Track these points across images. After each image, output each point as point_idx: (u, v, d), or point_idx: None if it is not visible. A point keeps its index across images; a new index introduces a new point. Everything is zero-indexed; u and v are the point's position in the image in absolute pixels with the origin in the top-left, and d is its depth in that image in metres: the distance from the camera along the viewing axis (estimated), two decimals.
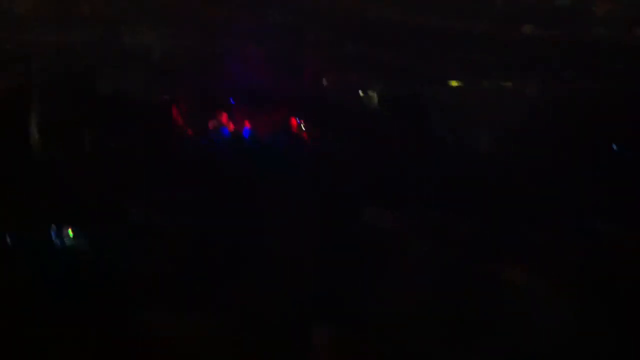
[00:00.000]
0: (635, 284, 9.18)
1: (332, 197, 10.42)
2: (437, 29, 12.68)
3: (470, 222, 10.14)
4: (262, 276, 9.41)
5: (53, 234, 9.96)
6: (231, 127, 11.75)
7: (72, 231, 9.96)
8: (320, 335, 9.04)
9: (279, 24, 12.52)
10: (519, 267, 9.53)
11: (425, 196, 10.47)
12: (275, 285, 9.30)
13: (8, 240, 9.74)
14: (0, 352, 8.52)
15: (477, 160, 10.99)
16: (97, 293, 9.12)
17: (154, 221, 10.18)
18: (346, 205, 10.41)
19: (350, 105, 11.97)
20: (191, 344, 8.83)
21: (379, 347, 8.89)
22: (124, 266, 9.49)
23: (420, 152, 11.07)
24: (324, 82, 12.22)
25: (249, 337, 8.93)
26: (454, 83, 12.19)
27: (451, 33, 12.67)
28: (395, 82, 12.14)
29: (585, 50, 12.31)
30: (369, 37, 12.54)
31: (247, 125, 11.72)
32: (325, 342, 9.02)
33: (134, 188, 10.54)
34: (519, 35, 12.68)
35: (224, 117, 11.79)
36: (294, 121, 11.72)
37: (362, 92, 12.14)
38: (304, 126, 11.68)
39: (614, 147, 11.03)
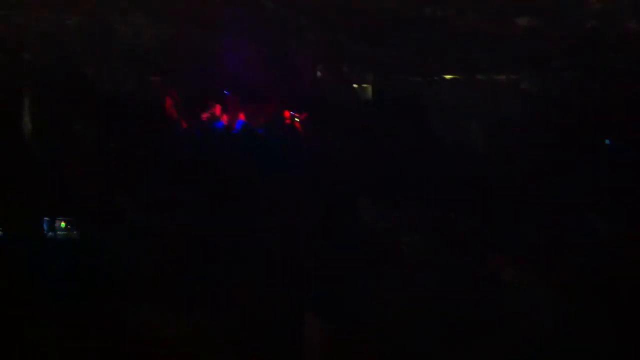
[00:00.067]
0: (635, 284, 9.19)
1: (329, 193, 10.37)
2: (432, 22, 12.63)
3: (468, 221, 10.12)
4: (261, 275, 9.35)
5: (49, 231, 9.87)
6: (225, 119, 11.67)
7: (67, 227, 9.86)
8: (320, 335, 9.01)
9: (273, 15, 12.42)
10: (518, 266, 9.53)
11: (422, 193, 10.43)
12: (274, 285, 9.25)
13: (5, 239, 9.66)
14: None
15: (475, 157, 10.96)
16: (95, 292, 9.03)
17: (149, 217, 10.09)
18: (343, 201, 10.37)
19: (345, 99, 11.91)
20: (191, 343, 8.78)
21: (379, 347, 8.87)
22: (120, 264, 9.40)
23: (416, 148, 11.03)
24: (318, 74, 12.16)
25: (248, 337, 8.89)
26: (448, 77, 12.16)
27: (444, 26, 12.62)
28: (390, 75, 12.09)
29: (581, 44, 12.29)
30: (363, 29, 12.46)
31: (242, 117, 11.64)
32: (325, 342, 8.99)
33: (126, 183, 10.44)
34: (514, 29, 12.64)
35: (217, 110, 11.70)
36: (287, 114, 11.66)
37: (357, 85, 12.09)
38: (298, 119, 11.62)
39: (613, 144, 11.02)
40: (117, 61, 11.82)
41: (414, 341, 8.90)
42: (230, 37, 11.99)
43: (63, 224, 9.95)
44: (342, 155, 10.92)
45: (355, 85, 12.15)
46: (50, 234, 9.93)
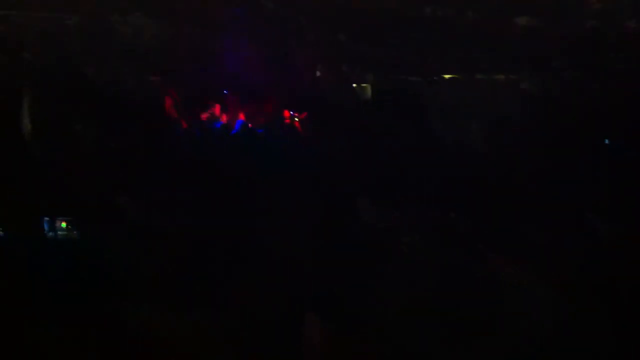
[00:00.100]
0: (635, 284, 9.19)
1: (329, 193, 10.37)
2: (432, 22, 12.64)
3: (468, 221, 10.12)
4: (261, 275, 9.35)
5: (50, 231, 9.87)
6: (225, 119, 11.68)
7: (68, 228, 9.86)
8: (320, 335, 9.01)
9: (273, 15, 12.43)
10: (518, 266, 9.52)
11: (422, 193, 10.43)
12: (274, 285, 9.25)
13: (5, 239, 9.66)
14: None
15: (475, 157, 10.97)
16: (95, 292, 9.03)
17: (149, 217, 10.09)
18: (343, 201, 10.37)
19: (345, 99, 11.92)
20: (191, 343, 8.77)
21: (379, 347, 8.87)
22: (120, 264, 9.40)
23: (416, 148, 11.03)
24: (318, 74, 12.17)
25: (248, 337, 8.88)
26: (448, 77, 12.17)
27: (444, 26, 12.64)
28: (390, 75, 12.10)
29: (581, 44, 12.30)
30: (363, 29, 12.47)
31: (242, 117, 11.65)
32: (325, 342, 8.98)
33: (127, 183, 10.44)
34: (514, 29, 12.65)
35: (217, 110, 11.71)
36: (287, 114, 11.66)
37: (357, 85, 12.09)
38: (298, 119, 11.62)
39: (613, 144, 11.03)
40: (117, 61, 11.83)
41: (414, 341, 8.88)
42: (230, 37, 12.00)
43: (64, 224, 9.95)
44: (342, 155, 10.92)
45: (355, 85, 12.15)
46: (50, 234, 9.92)
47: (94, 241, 9.82)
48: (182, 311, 8.90)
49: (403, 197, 10.42)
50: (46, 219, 9.96)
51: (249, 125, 11.67)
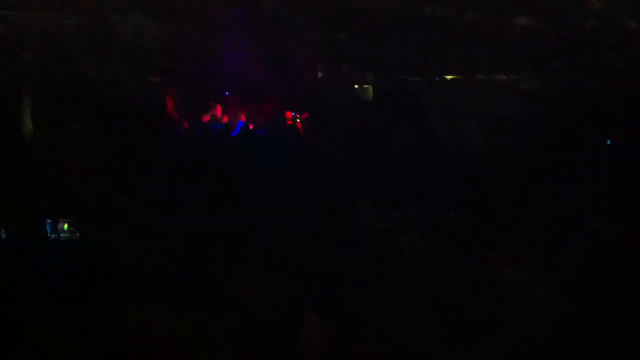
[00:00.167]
0: (635, 284, 9.18)
1: (329, 193, 10.37)
2: (432, 22, 12.64)
3: (468, 221, 10.12)
4: (261, 275, 9.35)
5: (52, 232, 9.87)
6: (225, 119, 11.68)
7: (70, 229, 9.86)
8: (320, 335, 9.00)
9: (273, 15, 12.43)
10: (518, 266, 9.52)
11: (422, 193, 10.43)
12: (274, 285, 9.25)
13: (5, 238, 9.66)
14: None
15: (475, 157, 10.97)
16: (97, 293, 9.03)
17: (150, 218, 10.09)
18: (343, 201, 10.36)
19: (345, 99, 11.92)
20: (191, 343, 8.77)
21: (379, 347, 8.86)
22: (121, 264, 9.40)
23: (416, 148, 11.03)
24: (318, 74, 12.17)
25: (248, 337, 8.87)
26: (449, 77, 12.17)
27: (444, 26, 12.63)
28: (390, 75, 12.09)
29: (581, 44, 12.30)
30: (363, 29, 12.47)
31: (242, 118, 11.65)
32: (325, 342, 8.98)
33: (127, 183, 10.44)
34: (514, 29, 12.65)
35: (217, 110, 11.71)
36: (289, 114, 11.67)
37: (357, 86, 12.10)
38: (298, 119, 11.63)
39: (613, 144, 11.03)
40: (117, 61, 11.83)
41: (414, 341, 8.88)
42: (230, 37, 12.00)
43: (66, 226, 9.95)
44: (342, 155, 10.91)
45: (355, 86, 12.16)
46: (53, 235, 9.93)
47: (94, 241, 9.83)
48: (182, 311, 8.90)
49: (403, 197, 10.42)
50: (48, 220, 9.97)
51: (249, 125, 11.67)
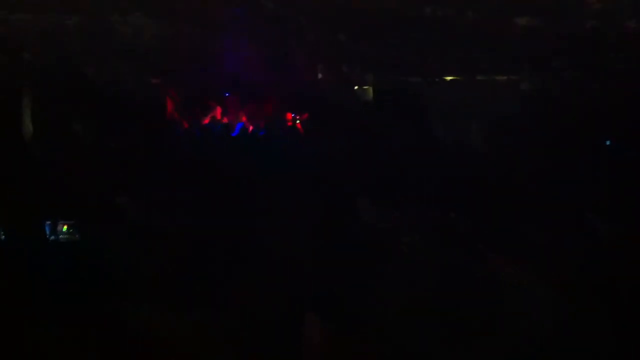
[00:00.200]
0: (635, 284, 9.19)
1: (329, 193, 10.36)
2: (432, 22, 12.62)
3: (468, 221, 10.12)
4: (261, 275, 9.35)
5: (52, 234, 9.87)
6: (225, 119, 11.67)
7: (70, 231, 9.86)
8: (320, 335, 9.01)
9: (273, 15, 12.42)
10: (518, 266, 9.52)
11: (422, 193, 10.43)
12: (274, 285, 9.25)
13: (4, 238, 9.66)
14: None
15: (475, 157, 10.96)
16: (97, 293, 9.03)
17: (150, 218, 10.09)
18: (343, 201, 10.36)
19: (345, 99, 11.91)
20: (191, 343, 8.77)
21: (379, 347, 8.87)
22: (121, 265, 9.40)
23: (416, 148, 11.03)
24: (318, 75, 12.16)
25: (248, 337, 8.88)
26: (448, 77, 12.16)
27: (444, 26, 12.62)
28: (390, 75, 12.09)
29: (581, 44, 12.29)
30: (363, 29, 12.46)
31: (242, 118, 11.64)
32: (325, 342, 8.98)
33: (127, 184, 10.44)
34: (514, 29, 12.64)
35: (217, 110, 11.70)
36: (289, 116, 11.66)
37: (358, 86, 12.09)
38: (298, 120, 11.62)
39: (613, 144, 11.02)
40: (117, 61, 11.82)
41: (414, 341, 8.88)
42: (230, 37, 11.99)
43: (65, 228, 9.95)
44: (342, 156, 10.91)
45: (355, 86, 12.15)
46: (52, 236, 9.92)
47: (94, 241, 9.82)
48: (182, 311, 8.90)
49: (403, 197, 10.42)
50: (48, 222, 9.96)
51: (249, 125, 11.66)
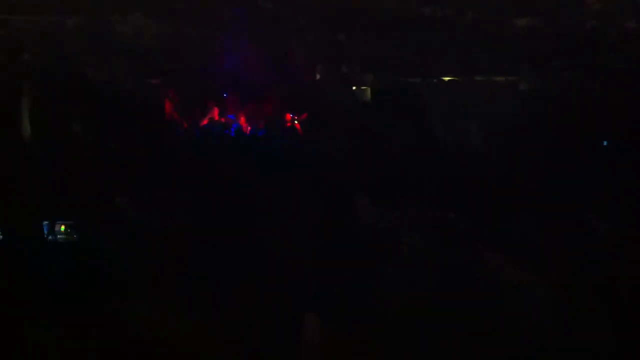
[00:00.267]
0: (635, 284, 9.18)
1: (329, 193, 10.36)
2: (432, 22, 12.63)
3: (468, 221, 10.12)
4: (261, 275, 9.35)
5: (49, 234, 9.86)
6: (225, 120, 11.68)
7: (67, 231, 9.85)
8: (320, 335, 9.00)
9: (272, 14, 12.43)
10: (518, 266, 9.52)
11: (422, 193, 10.43)
12: (274, 285, 9.25)
13: (2, 237, 9.66)
14: None
15: (475, 157, 10.96)
16: (96, 293, 9.03)
17: (149, 218, 10.08)
18: (343, 201, 10.36)
19: (344, 99, 11.91)
20: (191, 343, 8.77)
21: (379, 346, 8.86)
22: (121, 265, 9.39)
23: (416, 148, 11.03)
24: (318, 75, 12.16)
25: (248, 337, 8.87)
26: (448, 78, 12.16)
27: (444, 26, 12.63)
28: (390, 75, 12.09)
29: (581, 44, 12.30)
30: (363, 29, 12.46)
31: (241, 118, 11.65)
32: (325, 342, 8.98)
33: (126, 184, 10.43)
34: (513, 29, 12.64)
35: (217, 110, 11.70)
36: (288, 116, 11.66)
37: (357, 86, 12.09)
38: (297, 120, 11.62)
39: (612, 144, 11.02)
40: (117, 61, 11.82)
41: (414, 341, 8.88)
42: (230, 37, 11.99)
43: (63, 228, 9.94)
44: (342, 156, 10.91)
45: (354, 86, 12.15)
46: (51, 236, 9.91)
47: (94, 242, 9.82)
48: (182, 311, 8.90)
49: (403, 197, 10.42)
50: (46, 222, 9.95)
51: (249, 125, 11.66)
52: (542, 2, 12.96)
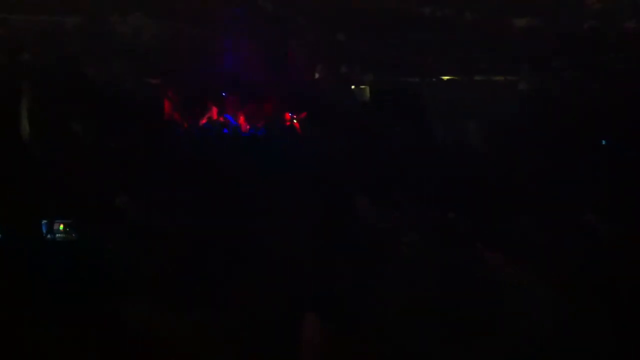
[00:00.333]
0: (635, 284, 9.18)
1: (329, 193, 10.36)
2: (432, 22, 12.63)
3: (468, 220, 10.11)
4: (261, 275, 9.35)
5: (48, 233, 9.86)
6: (222, 121, 11.68)
7: (66, 230, 9.85)
8: (320, 335, 9.00)
9: (272, 14, 12.43)
10: (518, 266, 9.52)
11: (422, 193, 10.43)
12: (274, 285, 9.24)
13: (3, 236, 9.66)
14: None
15: (474, 157, 10.97)
16: (95, 293, 9.03)
17: (149, 218, 10.08)
18: (343, 201, 10.36)
19: (344, 99, 11.91)
20: (191, 343, 8.76)
21: (379, 347, 8.86)
22: (120, 265, 9.39)
23: (416, 148, 11.03)
24: (317, 75, 12.17)
25: (248, 337, 8.87)
26: (448, 77, 12.16)
27: (444, 26, 12.63)
28: (389, 75, 12.09)
29: (581, 44, 12.30)
30: (362, 29, 12.47)
31: (241, 118, 11.65)
32: (325, 342, 8.98)
33: (126, 183, 10.43)
34: (513, 29, 12.65)
35: (218, 110, 11.71)
36: (287, 116, 11.66)
37: (357, 86, 12.10)
38: (297, 120, 11.62)
39: (612, 144, 11.03)
40: (116, 61, 11.83)
41: (414, 341, 8.88)
42: (230, 37, 12.00)
43: (62, 227, 9.93)
44: (342, 155, 10.91)
45: (354, 86, 12.15)
46: (50, 235, 9.91)
47: (93, 241, 9.82)
48: (182, 311, 8.89)
49: (403, 197, 10.41)
50: (44, 221, 9.94)
51: (249, 125, 11.66)
52: (542, 2, 12.96)
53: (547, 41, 12.45)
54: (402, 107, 11.56)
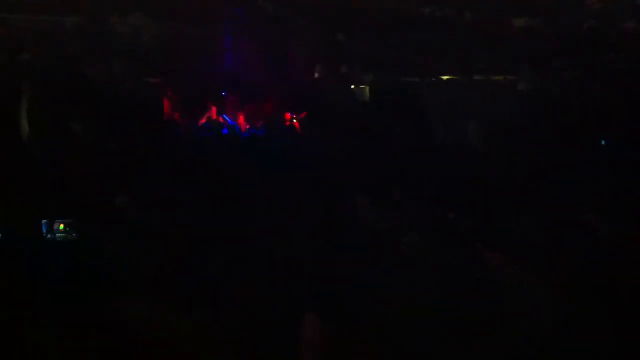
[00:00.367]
0: (635, 284, 9.17)
1: (329, 193, 10.36)
2: (431, 21, 12.64)
3: (468, 220, 10.11)
4: (261, 275, 9.34)
5: (48, 233, 9.85)
6: (222, 121, 11.69)
7: (66, 230, 9.84)
8: (320, 335, 8.99)
9: (272, 14, 12.44)
10: (518, 266, 9.51)
11: (422, 193, 10.43)
12: (274, 285, 9.23)
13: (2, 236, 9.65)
14: None
15: (474, 157, 10.96)
16: (95, 293, 9.01)
17: (149, 218, 10.08)
18: (343, 201, 10.36)
19: (344, 99, 11.92)
20: (191, 343, 8.75)
21: (379, 347, 8.85)
22: (120, 265, 9.38)
23: (416, 148, 11.03)
24: (317, 74, 12.18)
25: (248, 337, 8.86)
26: (447, 77, 12.17)
27: (444, 26, 12.64)
28: (389, 75, 12.10)
29: (581, 44, 12.31)
30: (362, 29, 12.48)
31: (240, 117, 11.66)
32: (325, 342, 8.97)
33: (126, 183, 10.43)
34: (513, 29, 12.66)
35: (218, 110, 11.72)
36: (287, 116, 11.67)
37: (356, 86, 12.11)
38: (297, 119, 11.63)
39: (612, 144, 11.03)
40: (116, 61, 11.83)
41: (414, 341, 8.87)
42: (230, 37, 12.01)
43: (62, 226, 9.92)
44: (342, 155, 10.91)
45: (353, 86, 12.16)
46: (49, 235, 9.90)
47: (93, 241, 9.81)
48: (182, 311, 8.88)
49: (403, 197, 10.41)
50: (44, 221, 9.93)
51: (248, 125, 11.67)
52: (542, 2, 12.98)
53: (547, 41, 12.47)
54: (402, 107, 11.56)
